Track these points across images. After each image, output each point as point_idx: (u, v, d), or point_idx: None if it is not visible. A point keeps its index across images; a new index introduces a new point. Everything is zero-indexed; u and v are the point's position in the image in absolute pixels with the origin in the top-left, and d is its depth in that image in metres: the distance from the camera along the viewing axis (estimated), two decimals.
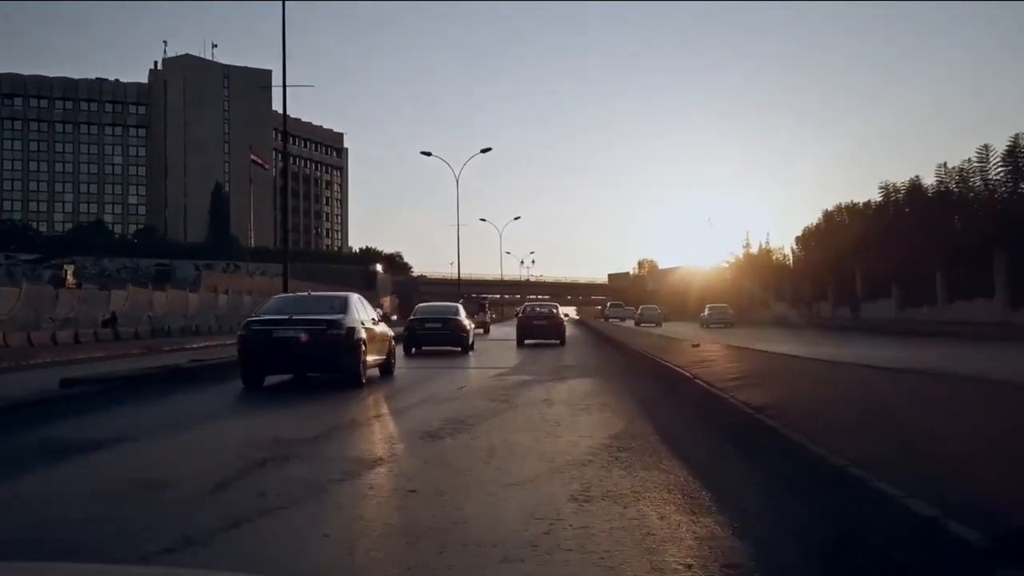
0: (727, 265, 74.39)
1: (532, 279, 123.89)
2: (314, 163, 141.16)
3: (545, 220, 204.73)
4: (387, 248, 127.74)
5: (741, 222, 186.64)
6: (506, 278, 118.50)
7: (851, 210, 47.02)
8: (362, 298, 12.61)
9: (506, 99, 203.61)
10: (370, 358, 11.51)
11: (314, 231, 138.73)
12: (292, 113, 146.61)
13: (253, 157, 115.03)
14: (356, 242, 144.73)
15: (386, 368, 12.70)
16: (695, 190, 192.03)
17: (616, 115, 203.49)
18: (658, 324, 46.49)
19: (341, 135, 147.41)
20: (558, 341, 22.62)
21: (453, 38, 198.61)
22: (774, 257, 77.26)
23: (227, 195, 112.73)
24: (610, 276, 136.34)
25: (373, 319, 12.40)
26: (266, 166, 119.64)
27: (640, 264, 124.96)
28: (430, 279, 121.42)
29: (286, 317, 11.05)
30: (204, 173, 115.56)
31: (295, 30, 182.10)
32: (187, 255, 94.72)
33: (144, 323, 36.54)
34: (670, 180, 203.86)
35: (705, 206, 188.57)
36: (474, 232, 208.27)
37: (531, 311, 24.84)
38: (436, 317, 20.28)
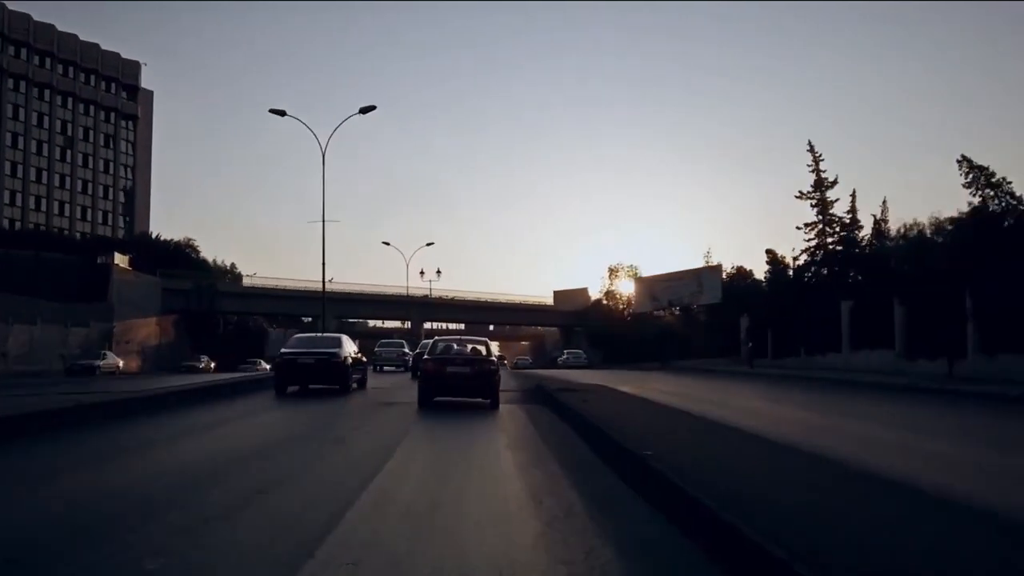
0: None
1: (434, 296, 73.11)
2: (83, 102, 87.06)
3: (451, 219, 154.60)
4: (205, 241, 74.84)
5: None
6: (389, 292, 68.18)
7: None
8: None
9: (392, 48, 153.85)
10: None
11: (67, 205, 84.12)
12: (43, 16, 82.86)
13: None
14: (161, 229, 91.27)
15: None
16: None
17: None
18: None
19: (137, 66, 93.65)
20: (487, 400, 14.52)
21: None
22: None
23: None
24: (557, 294, 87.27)
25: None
26: None
27: (612, 271, 75.73)
28: (256, 288, 69.24)
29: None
30: None
31: None
32: None
33: None
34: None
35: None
36: (343, 236, 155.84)
37: (444, 351, 15.53)
38: (310, 352, 18.81)
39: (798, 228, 40.60)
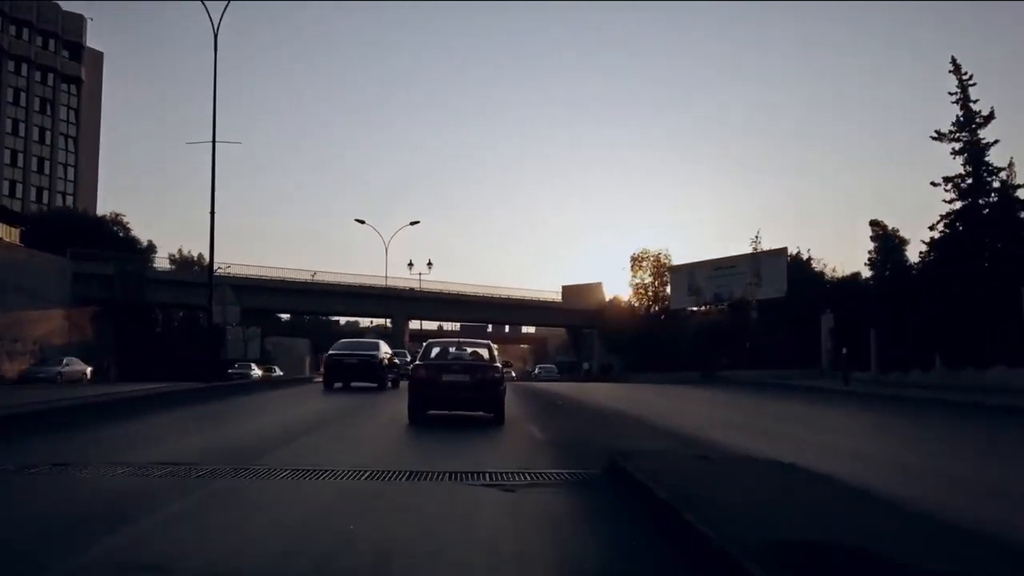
0: None
1: (422, 290, 60.69)
2: (12, 58, 74.33)
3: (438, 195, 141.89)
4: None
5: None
6: (366, 283, 55.77)
7: None
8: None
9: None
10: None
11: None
12: None
13: None
14: (109, 207, 78.19)
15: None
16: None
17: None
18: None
19: (81, 20, 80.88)
20: (491, 414, 12.28)
21: None
22: None
23: None
24: (566, 289, 74.86)
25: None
26: None
27: (635, 260, 62.60)
28: (201, 277, 56.26)
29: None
30: None
31: None
32: None
33: None
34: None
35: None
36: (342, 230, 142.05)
37: (440, 355, 13.24)
38: (354, 353, 22.18)
39: (934, 184, 27.93)
